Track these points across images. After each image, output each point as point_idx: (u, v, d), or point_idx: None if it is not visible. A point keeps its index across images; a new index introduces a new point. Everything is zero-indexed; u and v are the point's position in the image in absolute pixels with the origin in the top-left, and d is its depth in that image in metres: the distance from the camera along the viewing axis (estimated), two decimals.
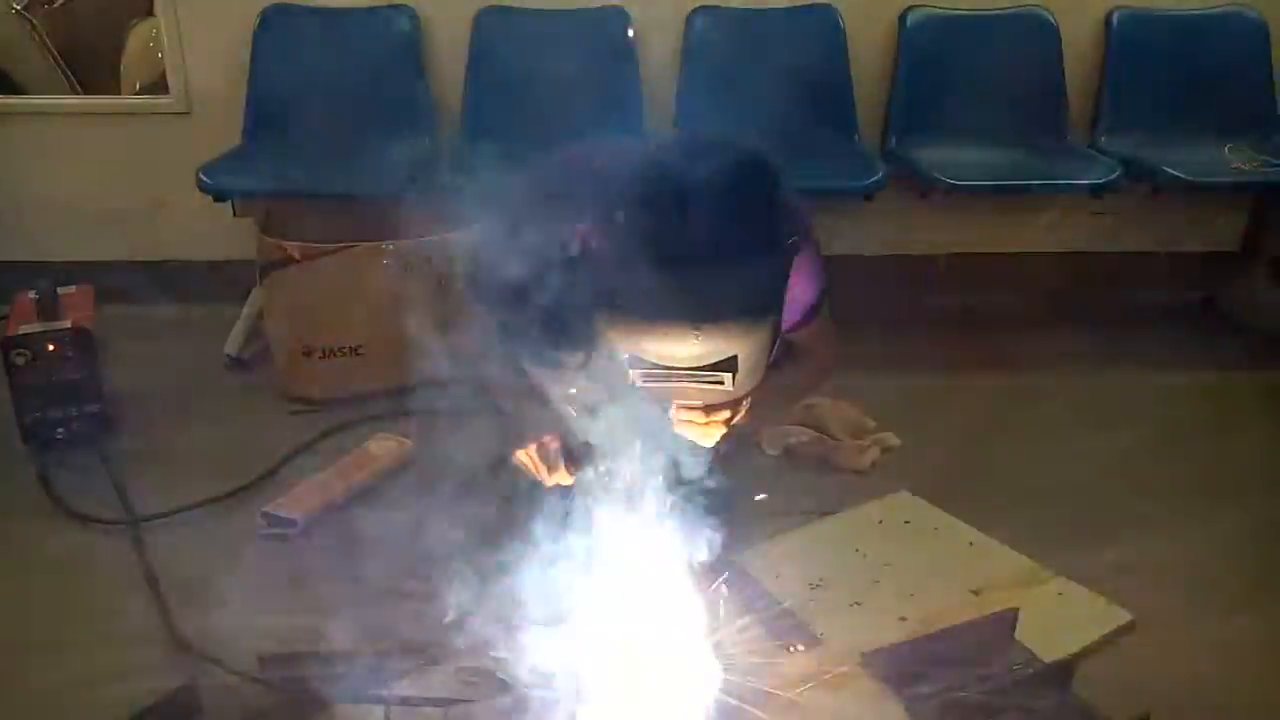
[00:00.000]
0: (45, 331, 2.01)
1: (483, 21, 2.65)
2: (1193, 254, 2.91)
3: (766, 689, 1.28)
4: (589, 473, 1.26)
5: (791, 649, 1.42)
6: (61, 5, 3.34)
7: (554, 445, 1.29)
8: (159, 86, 2.83)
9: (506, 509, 1.29)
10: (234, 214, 2.47)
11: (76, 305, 2.13)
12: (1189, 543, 1.74)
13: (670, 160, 0.99)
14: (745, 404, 1.08)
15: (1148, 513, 1.81)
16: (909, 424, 2.11)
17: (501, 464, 1.38)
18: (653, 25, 2.69)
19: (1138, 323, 2.70)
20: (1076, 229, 2.81)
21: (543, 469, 1.30)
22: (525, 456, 1.32)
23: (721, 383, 0.99)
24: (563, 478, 1.29)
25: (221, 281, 2.62)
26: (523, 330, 1.13)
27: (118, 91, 3.16)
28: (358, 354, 2.26)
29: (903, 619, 1.50)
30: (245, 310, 2.51)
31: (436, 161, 2.54)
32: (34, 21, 3.22)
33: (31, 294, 2.11)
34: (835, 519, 1.81)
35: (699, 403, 1.05)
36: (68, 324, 2.04)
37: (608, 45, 2.67)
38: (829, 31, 2.67)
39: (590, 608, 1.20)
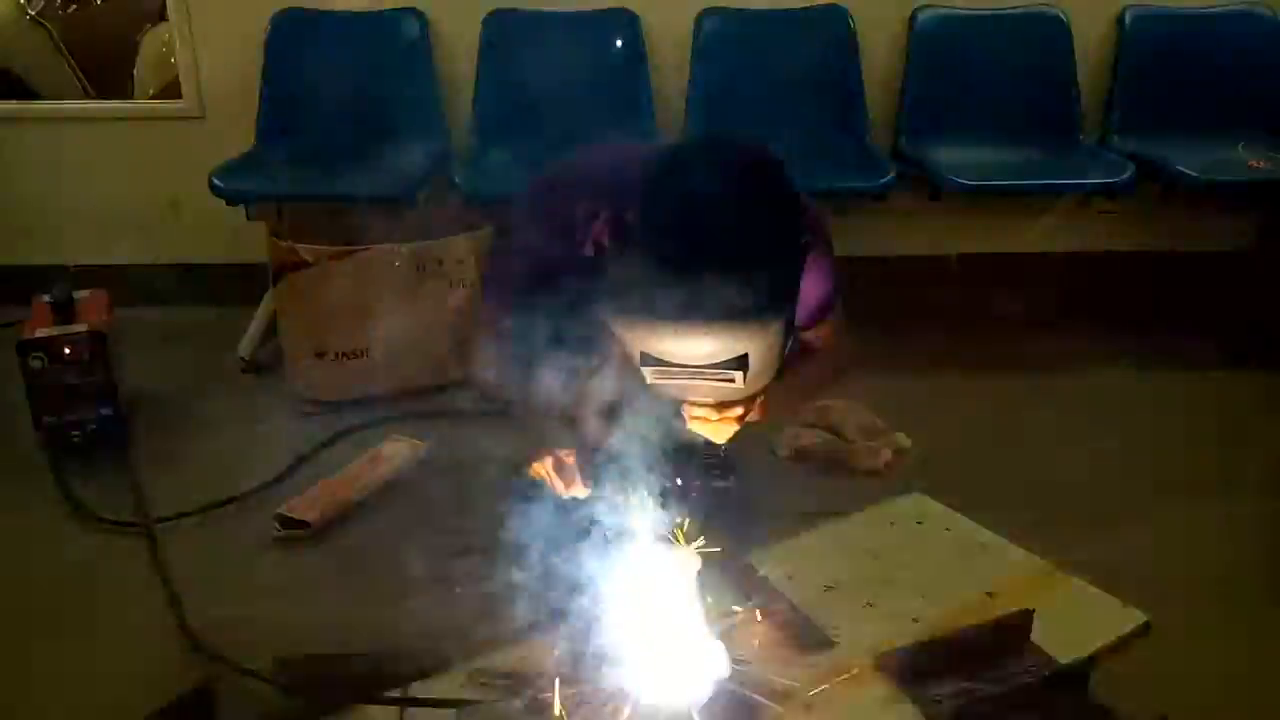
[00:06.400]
0: (61, 335, 2.03)
1: (492, 24, 2.66)
2: (1206, 253, 2.89)
3: (779, 689, 1.28)
4: (603, 480, 1.26)
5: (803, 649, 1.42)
6: (76, 11, 3.37)
7: (569, 459, 1.28)
8: (172, 91, 2.85)
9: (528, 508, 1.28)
10: (247, 217, 2.49)
11: (92, 308, 2.15)
12: (1204, 541, 1.73)
13: (681, 161, 1.00)
14: (758, 401, 1.09)
15: (1162, 512, 1.80)
16: (921, 425, 2.10)
17: (516, 468, 1.38)
18: (662, 27, 2.69)
19: (1150, 322, 2.69)
20: (1088, 228, 2.80)
21: (558, 481, 1.30)
22: (541, 469, 1.32)
23: (733, 381, 0.99)
24: (578, 490, 1.29)
25: (235, 284, 2.64)
26: (537, 331, 1.14)
27: (131, 96, 3.18)
28: (370, 356, 2.27)
29: (916, 620, 1.50)
30: (258, 313, 2.53)
31: (448, 164, 2.55)
32: (49, 27, 3.25)
33: (47, 298, 2.13)
34: (848, 520, 1.80)
35: (711, 400, 1.06)
36: (83, 327, 2.06)
37: (617, 47, 2.67)
38: (839, 32, 2.67)
39: (604, 609, 1.20)
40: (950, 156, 2.55)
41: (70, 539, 1.81)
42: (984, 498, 1.83)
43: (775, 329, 0.98)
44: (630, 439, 1.17)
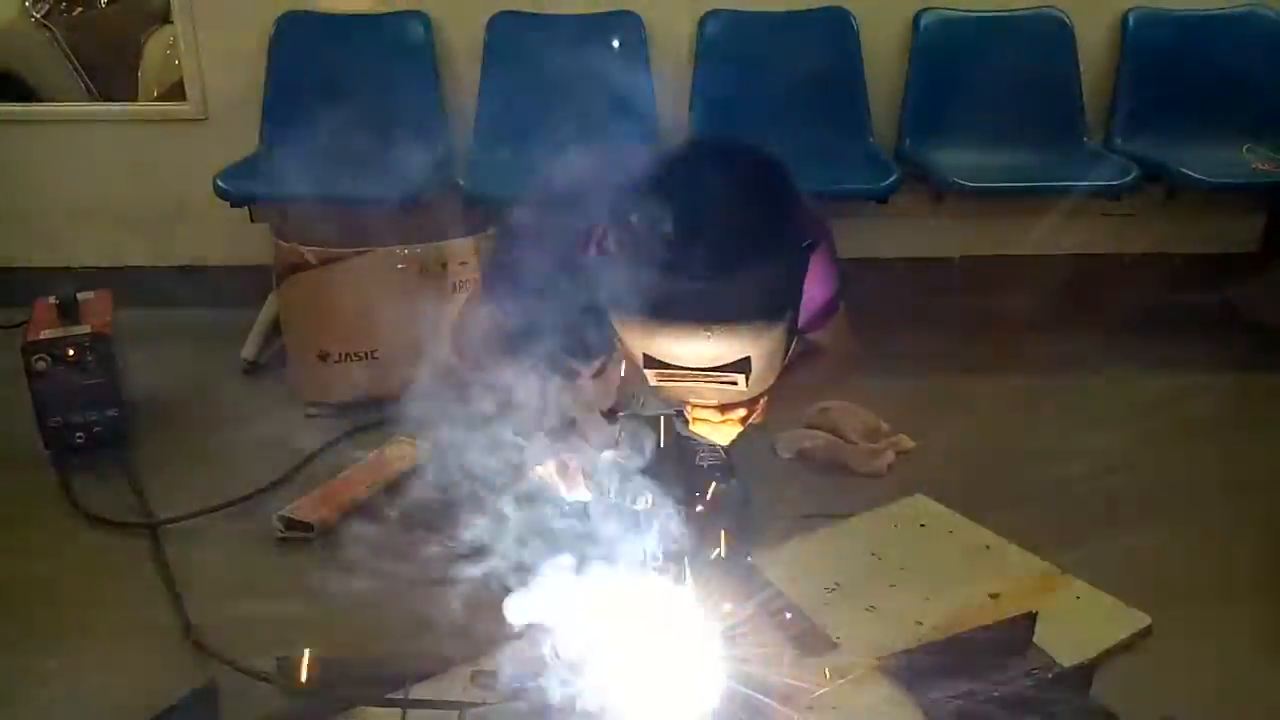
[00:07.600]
0: (65, 336, 2.03)
1: (496, 26, 2.66)
2: (1209, 255, 2.89)
3: (782, 692, 1.28)
4: (605, 482, 1.26)
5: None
6: (81, 14, 3.39)
7: (572, 462, 1.28)
8: (176, 93, 2.86)
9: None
10: (251, 219, 2.49)
11: (96, 310, 2.15)
12: (1206, 542, 1.73)
13: (684, 164, 1.00)
14: (762, 403, 1.09)
15: (1166, 514, 1.80)
16: (924, 427, 2.10)
17: (519, 470, 1.38)
18: (665, 29, 2.70)
19: (1154, 324, 2.68)
20: (1092, 230, 2.80)
21: (561, 483, 1.30)
22: (544, 471, 1.32)
23: (736, 384, 0.99)
24: (581, 493, 1.29)
25: (239, 286, 2.64)
26: (540, 334, 1.14)
27: (136, 98, 3.19)
28: (374, 358, 2.27)
29: (919, 623, 1.50)
30: (261, 314, 2.53)
31: (451, 166, 2.55)
32: (53, 29, 3.26)
33: (52, 299, 2.14)
34: (850, 522, 1.80)
35: (714, 402, 1.06)
36: (87, 329, 2.06)
37: (620, 50, 2.68)
38: (842, 34, 2.67)
39: (605, 610, 1.20)
40: (953, 158, 2.55)
41: (73, 540, 1.81)
42: (986, 500, 1.83)
43: (778, 332, 0.98)
44: (634, 443, 1.17)
